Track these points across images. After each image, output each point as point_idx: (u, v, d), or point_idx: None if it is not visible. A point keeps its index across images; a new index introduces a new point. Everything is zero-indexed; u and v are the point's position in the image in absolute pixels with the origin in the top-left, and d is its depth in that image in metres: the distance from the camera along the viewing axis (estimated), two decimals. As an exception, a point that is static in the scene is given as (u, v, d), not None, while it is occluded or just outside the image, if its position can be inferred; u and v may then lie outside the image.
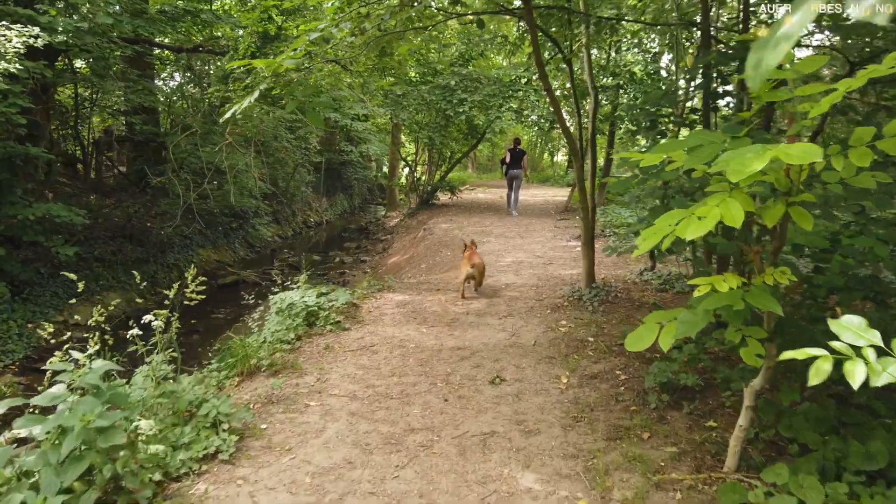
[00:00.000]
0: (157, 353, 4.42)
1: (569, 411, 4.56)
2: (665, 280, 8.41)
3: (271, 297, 7.26)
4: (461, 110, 17.04)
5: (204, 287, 4.95)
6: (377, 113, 18.34)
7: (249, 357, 5.60)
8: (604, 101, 17.72)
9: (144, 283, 13.07)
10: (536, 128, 20.57)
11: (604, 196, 19.21)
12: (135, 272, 6.01)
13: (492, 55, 23.21)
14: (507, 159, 17.61)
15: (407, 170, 23.31)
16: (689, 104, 8.52)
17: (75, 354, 3.42)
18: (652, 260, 9.06)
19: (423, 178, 22.78)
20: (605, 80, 17.99)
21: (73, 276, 4.35)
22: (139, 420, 3.43)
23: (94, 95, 15.31)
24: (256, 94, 5.41)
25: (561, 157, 42.23)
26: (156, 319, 4.35)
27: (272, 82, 5.85)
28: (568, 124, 8.84)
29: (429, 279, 9.84)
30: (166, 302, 4.64)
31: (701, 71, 5.34)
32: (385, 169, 34.08)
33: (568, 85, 17.31)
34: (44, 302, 10.36)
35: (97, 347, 3.78)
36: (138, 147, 15.16)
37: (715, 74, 5.39)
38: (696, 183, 4.34)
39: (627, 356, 5.58)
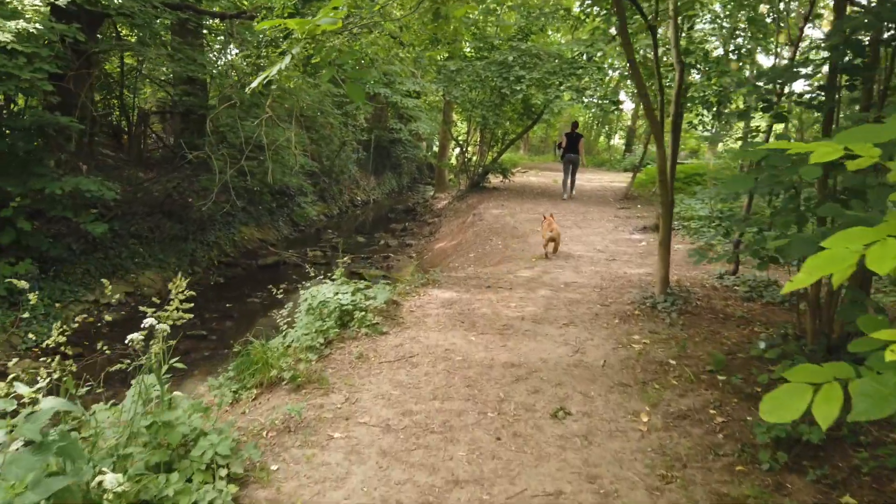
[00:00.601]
0: (153, 369, 3.61)
1: (654, 466, 3.60)
2: (751, 287, 7.28)
3: (302, 291, 6.45)
4: (518, 88, 15.93)
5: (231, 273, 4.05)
6: (429, 89, 17.36)
7: (270, 366, 4.80)
8: (668, 83, 16.37)
9: (182, 262, 12.55)
10: (597, 109, 19.22)
11: (667, 184, 17.92)
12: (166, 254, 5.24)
13: (552, 30, 21.93)
14: (564, 143, 16.77)
15: (458, 150, 22.30)
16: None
17: (20, 388, 2.61)
18: (735, 263, 7.92)
19: (475, 159, 21.76)
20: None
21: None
22: (105, 474, 2.62)
23: (140, 65, 14.80)
24: (287, 59, 4.55)
25: (618, 140, 40.58)
26: (159, 323, 3.53)
27: (308, 47, 4.99)
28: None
29: (478, 272, 8.91)
30: (183, 292, 3.83)
31: (834, 42, 4.21)
32: (435, 148, 33.16)
33: (650, 55, 16.01)
34: (74, 280, 9.84)
35: (57, 376, 2.98)
36: (185, 120, 14.60)
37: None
38: (857, 181, 3.27)
39: (721, 388, 4.56)
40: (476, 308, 6.78)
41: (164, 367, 3.71)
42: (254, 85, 4.89)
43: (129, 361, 3.55)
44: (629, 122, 36.85)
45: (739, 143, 17.21)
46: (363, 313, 6.01)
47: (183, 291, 3.70)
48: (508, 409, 4.32)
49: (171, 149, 15.79)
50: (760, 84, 4.52)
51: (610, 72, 18.60)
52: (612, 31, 17.41)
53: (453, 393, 4.57)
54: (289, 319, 6.14)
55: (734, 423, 4.04)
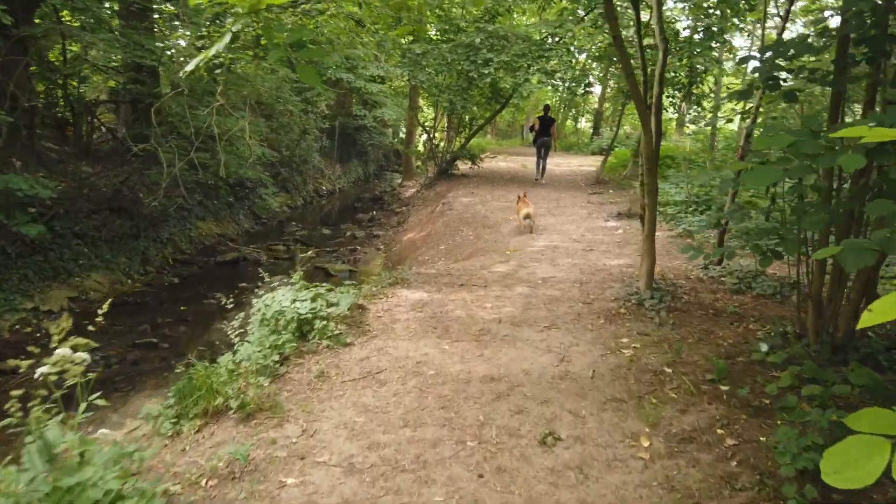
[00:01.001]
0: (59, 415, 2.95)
1: (663, 506, 3.08)
2: (739, 278, 6.84)
3: (255, 300, 5.81)
4: (486, 72, 15.31)
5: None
6: (394, 74, 16.63)
7: (216, 392, 4.16)
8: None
9: (133, 262, 11.73)
10: (566, 92, 18.73)
11: (638, 166, 17.54)
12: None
13: (519, 12, 21.30)
14: (537, 126, 16.56)
15: (425, 136, 21.61)
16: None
17: None
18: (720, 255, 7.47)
19: (442, 145, 21.11)
20: (646, 38, 16.13)
21: None
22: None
23: (86, 52, 13.80)
24: (227, 38, 3.92)
25: (584, 123, 40.27)
26: (51, 370, 2.86)
27: (255, 25, 4.35)
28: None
29: (449, 268, 8.33)
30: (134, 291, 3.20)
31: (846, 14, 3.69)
32: (402, 135, 32.39)
33: (628, 34, 15.51)
34: (10, 287, 9.00)
35: None
36: (136, 109, 13.67)
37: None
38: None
39: (726, 402, 4.06)
40: (449, 310, 6.20)
41: (81, 409, 3.06)
42: (189, 68, 4.24)
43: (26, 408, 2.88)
44: (596, 105, 36.52)
45: (711, 124, 16.89)
46: (324, 322, 5.39)
47: (65, 331, 2.97)
48: (490, 435, 3.76)
49: (120, 141, 14.85)
50: (758, 60, 3.97)
51: (577, 54, 18.07)
52: (581, 12, 16.91)
53: (427, 417, 3.99)
54: (241, 331, 5.50)
55: (747, 447, 3.54)
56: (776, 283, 6.50)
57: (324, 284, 6.30)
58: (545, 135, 16.44)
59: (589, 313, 6.02)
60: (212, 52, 3.87)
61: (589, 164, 23.58)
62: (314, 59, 4.22)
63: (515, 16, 21.04)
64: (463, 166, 19.97)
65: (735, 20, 15.64)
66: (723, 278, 7.04)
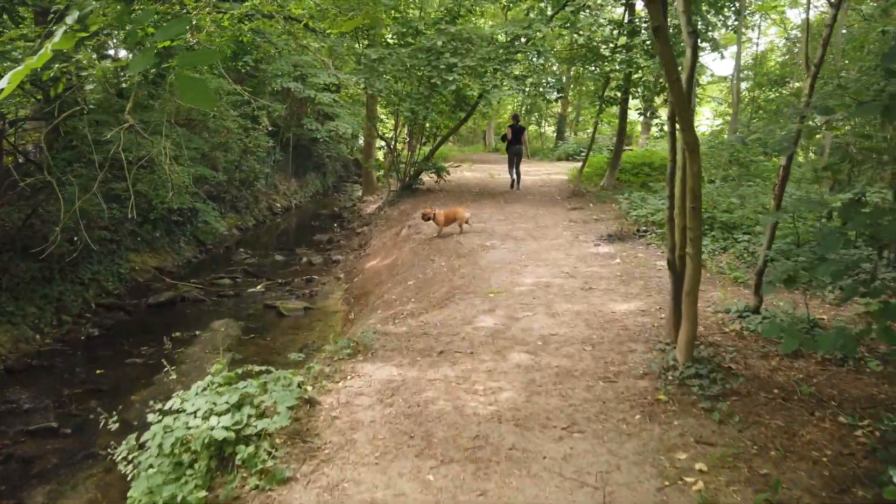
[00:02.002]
0: None
1: None
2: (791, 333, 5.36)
3: (151, 415, 4.10)
4: (450, 78, 13.72)
5: None
6: (347, 82, 14.92)
7: None
8: (618, 66, 14.58)
9: (45, 312, 9.80)
10: (538, 97, 17.30)
11: (615, 175, 16.20)
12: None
13: (479, 13, 19.75)
14: (509, 136, 15.93)
15: (385, 148, 19.89)
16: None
17: None
18: (757, 294, 6.00)
19: (404, 155, 19.42)
20: (621, 38, 14.80)
21: None
22: None
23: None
24: (58, 36, 2.32)
25: (547, 127, 39.03)
26: None
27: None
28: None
29: (422, 321, 6.68)
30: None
31: None
32: (361, 143, 30.58)
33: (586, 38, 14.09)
34: None
35: None
36: (55, 131, 11.71)
37: None
38: None
39: None
40: (428, 400, 4.57)
41: None
42: (8, 77, 2.53)
43: None
44: (558, 109, 35.29)
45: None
46: (253, 447, 3.70)
47: None
48: None
49: (38, 165, 12.81)
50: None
51: (547, 56, 16.61)
52: (549, 11, 15.48)
53: None
54: (130, 461, 3.79)
55: None
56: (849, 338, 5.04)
57: (258, 371, 4.62)
58: (517, 143, 15.97)
59: (617, 400, 4.45)
60: (42, 52, 2.28)
61: (557, 171, 22.19)
62: (200, 66, 2.55)
63: (474, 19, 19.52)
64: (428, 179, 18.35)
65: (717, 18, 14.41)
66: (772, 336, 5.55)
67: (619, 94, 15.40)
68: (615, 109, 18.56)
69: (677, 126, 4.73)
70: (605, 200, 14.13)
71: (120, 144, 6.45)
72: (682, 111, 4.19)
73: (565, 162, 27.05)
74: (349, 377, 5.04)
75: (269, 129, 16.95)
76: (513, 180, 16.69)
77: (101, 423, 6.75)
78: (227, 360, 4.57)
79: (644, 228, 10.49)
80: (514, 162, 16.35)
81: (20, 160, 13.05)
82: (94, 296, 11.06)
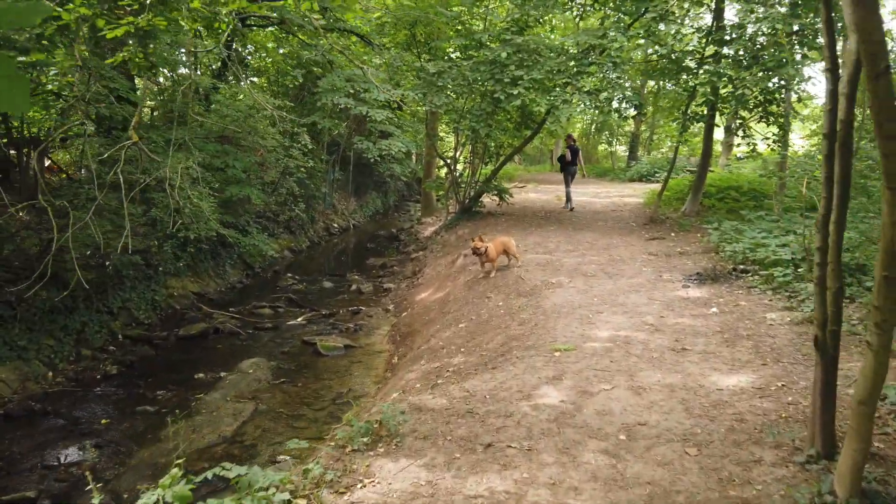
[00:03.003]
0: None
1: None
2: None
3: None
4: (514, 92, 12.35)
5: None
6: (405, 98, 13.74)
7: None
8: (702, 76, 12.83)
9: (64, 345, 8.90)
10: (612, 114, 15.69)
11: (698, 200, 14.38)
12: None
13: (546, 30, 18.29)
14: (568, 157, 15.81)
15: (445, 168, 18.64)
16: None
17: None
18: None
19: (465, 176, 18.09)
20: (709, 47, 13.07)
21: None
22: None
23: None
24: None
25: (622, 148, 37.05)
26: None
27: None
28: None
29: (468, 389, 5.26)
30: None
31: None
32: (414, 162, 29.49)
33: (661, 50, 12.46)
34: None
35: None
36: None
37: None
38: None
39: None
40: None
41: None
42: None
43: None
44: (631, 128, 33.32)
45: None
46: None
47: None
48: None
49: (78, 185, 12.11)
50: None
51: (623, 69, 14.99)
52: (627, 20, 13.92)
53: None
54: None
55: None
56: None
57: (234, 476, 3.32)
58: (574, 164, 15.97)
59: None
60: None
61: (630, 193, 20.43)
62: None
63: (543, 33, 18.11)
64: (489, 201, 16.97)
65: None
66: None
67: (705, 110, 13.63)
68: (695, 127, 16.81)
69: (837, 149, 3.18)
70: (689, 229, 12.38)
71: (121, 164, 5.33)
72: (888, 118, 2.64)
73: (638, 183, 25.17)
74: (360, 485, 3.66)
75: (306, 149, 15.94)
76: (568, 200, 16.51)
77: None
78: (179, 470, 3.27)
79: (742, 267, 8.74)
80: (567, 181, 16.32)
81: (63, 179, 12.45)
82: (122, 326, 10.15)
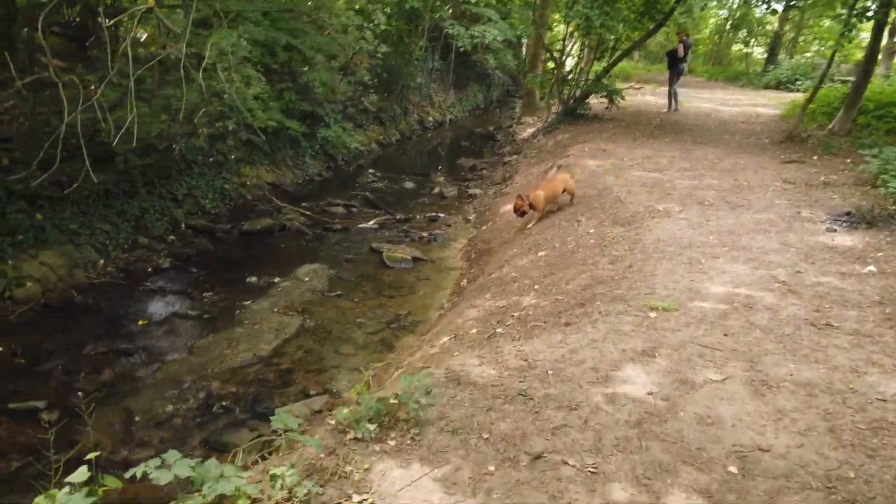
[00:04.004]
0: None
1: None
2: None
3: None
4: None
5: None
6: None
7: None
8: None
9: (120, 231, 8.38)
10: (756, 7, 13.04)
11: (851, 117, 11.84)
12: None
13: None
14: (681, 52, 14.25)
15: (552, 63, 16.55)
16: None
17: None
18: None
19: (575, 72, 15.98)
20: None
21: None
22: None
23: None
24: None
25: (759, 50, 32.64)
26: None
27: None
28: None
29: (530, 352, 4.05)
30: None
31: None
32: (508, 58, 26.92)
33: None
34: None
35: None
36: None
37: None
38: None
39: None
40: None
41: None
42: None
43: None
44: (773, 26, 28.96)
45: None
46: None
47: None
48: None
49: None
50: None
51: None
52: None
53: None
54: None
55: None
56: None
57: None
58: (683, 60, 14.51)
59: None
60: None
61: (764, 102, 17.60)
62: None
63: None
64: (598, 103, 14.94)
65: None
66: None
67: (877, 6, 10.86)
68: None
69: None
70: (837, 153, 10.14)
71: (134, 26, 4.25)
72: None
73: (774, 91, 21.89)
74: (348, 500, 2.62)
75: (384, 27, 14.36)
76: (671, 101, 15.29)
77: (108, 396, 5.05)
78: (88, 471, 2.31)
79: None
80: (674, 80, 14.91)
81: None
82: (186, 214, 9.56)
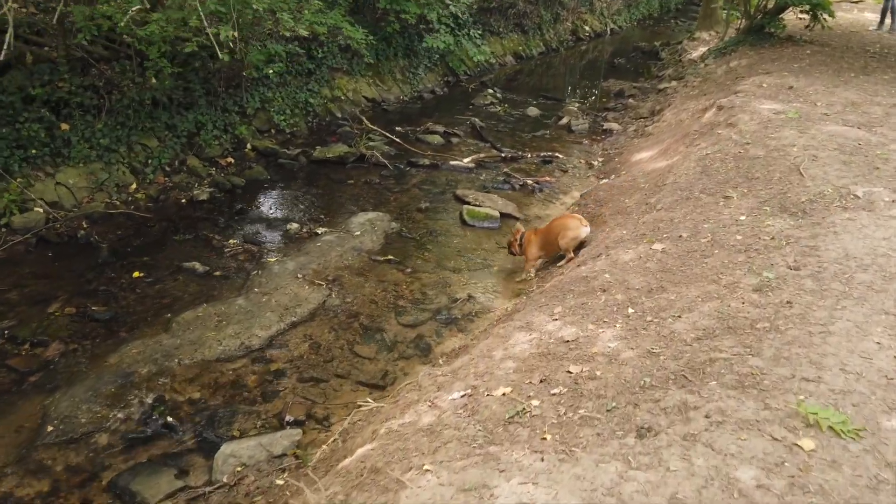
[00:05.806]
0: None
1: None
2: None
3: None
4: None
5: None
6: None
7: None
8: None
9: (166, 149, 7.21)
10: None
11: None
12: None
13: None
14: None
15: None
16: None
17: None
18: None
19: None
20: None
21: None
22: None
23: None
24: None
25: None
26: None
27: None
28: None
29: (595, 447, 2.17)
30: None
31: None
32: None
33: None
34: None
35: None
36: None
37: None
38: None
39: None
40: None
41: None
42: None
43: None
44: None
45: None
46: None
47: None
48: None
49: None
50: None
51: None
52: None
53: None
54: None
55: None
56: None
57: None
58: None
59: None
60: None
61: None
62: None
63: None
64: (794, 18, 11.37)
65: None
66: None
67: None
68: None
69: None
70: None
71: None
72: None
73: None
74: None
75: None
76: (884, 16, 12.12)
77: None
78: None
79: None
80: None
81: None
82: (254, 133, 8.22)
